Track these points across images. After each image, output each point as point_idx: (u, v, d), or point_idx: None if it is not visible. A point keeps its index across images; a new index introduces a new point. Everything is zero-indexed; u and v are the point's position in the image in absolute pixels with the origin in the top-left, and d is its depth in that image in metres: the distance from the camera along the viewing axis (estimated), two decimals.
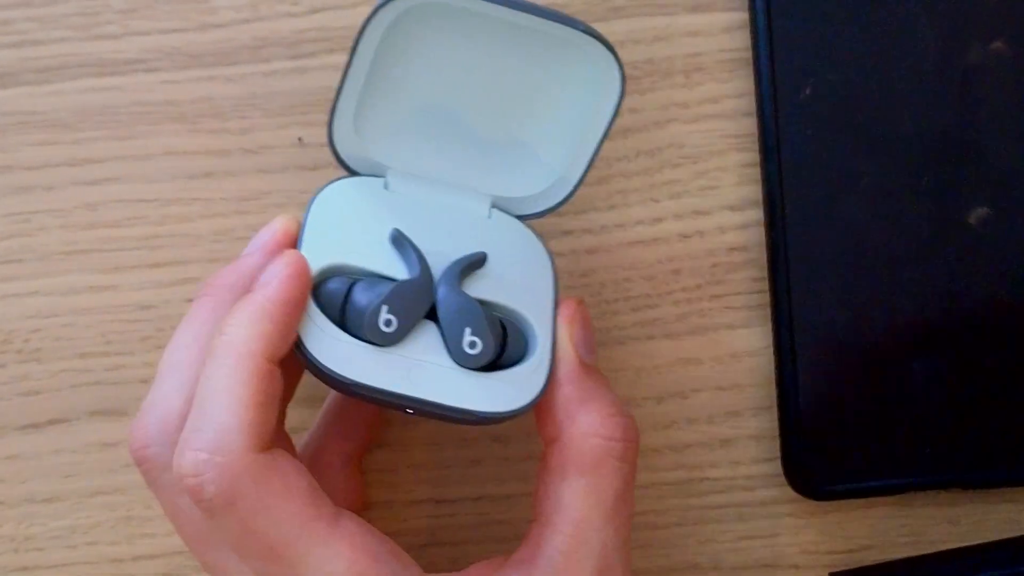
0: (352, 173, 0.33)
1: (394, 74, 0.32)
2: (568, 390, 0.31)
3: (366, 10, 0.35)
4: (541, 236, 0.33)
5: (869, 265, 0.35)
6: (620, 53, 0.36)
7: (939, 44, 0.35)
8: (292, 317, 0.29)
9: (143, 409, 0.30)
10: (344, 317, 0.30)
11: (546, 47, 0.32)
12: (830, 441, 0.35)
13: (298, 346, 0.29)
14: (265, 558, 0.28)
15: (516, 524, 0.36)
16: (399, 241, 0.31)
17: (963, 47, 0.35)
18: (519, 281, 0.32)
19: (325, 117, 0.36)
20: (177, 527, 0.30)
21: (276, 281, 0.29)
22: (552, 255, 0.33)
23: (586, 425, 0.31)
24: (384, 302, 0.30)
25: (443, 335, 0.31)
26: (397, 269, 0.31)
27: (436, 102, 0.33)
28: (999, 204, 0.35)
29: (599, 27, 0.36)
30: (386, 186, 0.32)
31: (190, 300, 0.36)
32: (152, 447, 0.29)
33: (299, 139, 0.36)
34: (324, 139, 0.36)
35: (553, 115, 0.33)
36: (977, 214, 0.35)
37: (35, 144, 0.36)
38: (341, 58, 0.36)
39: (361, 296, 0.30)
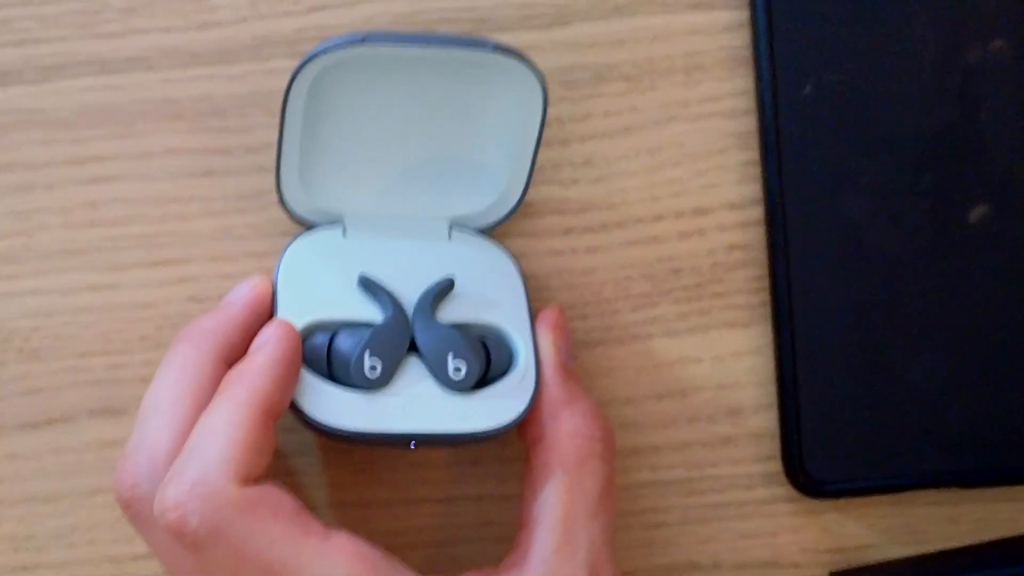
0: (309, 226, 0.34)
1: (329, 125, 0.34)
2: (553, 392, 0.32)
3: (366, 8, 0.36)
4: (502, 244, 0.34)
5: (869, 264, 0.35)
6: (620, 52, 0.36)
7: (939, 44, 0.35)
8: (291, 376, 0.31)
9: (127, 453, 0.30)
10: (331, 368, 0.32)
11: (468, 71, 0.33)
12: (830, 440, 0.35)
13: (292, 406, 0.31)
14: None
15: (515, 525, 0.36)
16: (368, 285, 0.33)
17: (963, 47, 0.35)
18: (490, 294, 0.33)
19: None
20: (167, 567, 0.30)
21: (272, 342, 0.31)
22: (517, 261, 0.34)
23: (570, 425, 0.32)
24: (365, 349, 0.31)
25: (428, 366, 0.32)
26: (372, 313, 0.32)
27: (376, 142, 0.34)
28: (999, 203, 0.35)
29: (599, 27, 0.36)
30: (344, 233, 0.34)
31: (190, 299, 0.36)
32: (142, 486, 0.30)
33: None
34: None
35: (489, 132, 0.34)
36: (977, 213, 0.35)
37: (35, 143, 0.36)
38: None
39: (343, 345, 0.32)
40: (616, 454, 0.33)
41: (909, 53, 0.35)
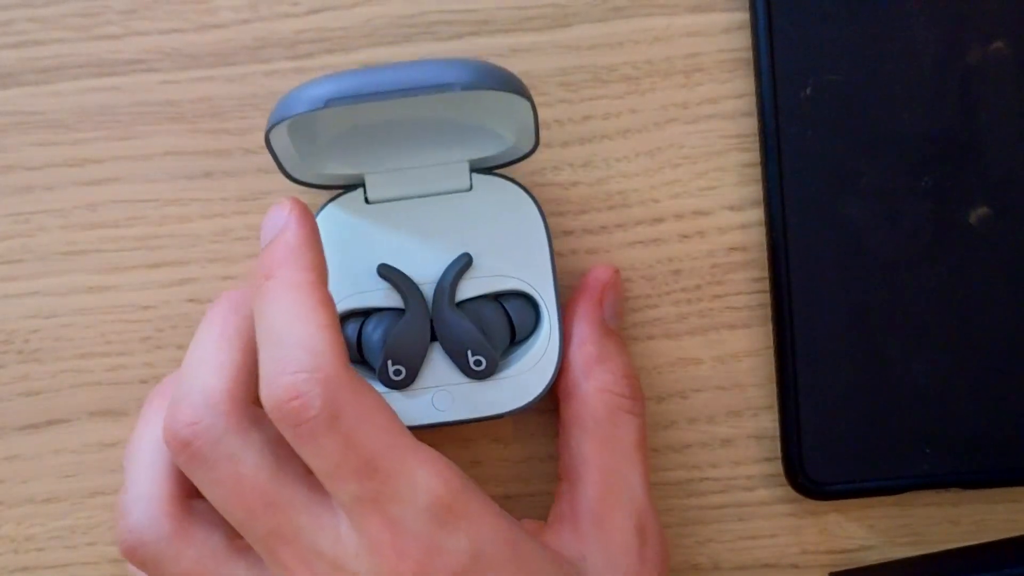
0: (331, 188, 0.34)
1: (322, 144, 0.33)
2: (589, 349, 0.33)
3: (366, 10, 0.36)
4: (522, 186, 0.34)
5: (869, 265, 0.35)
6: (620, 54, 0.36)
7: (939, 44, 0.35)
8: (320, 247, 0.30)
9: (176, 397, 0.30)
10: (362, 355, 0.34)
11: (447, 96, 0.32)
12: (830, 441, 0.35)
13: None
14: (361, 476, 0.28)
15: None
16: (387, 274, 0.33)
17: (963, 47, 0.35)
18: (513, 252, 0.34)
19: None
20: (239, 498, 0.29)
21: (293, 220, 0.30)
22: (538, 203, 0.34)
23: (601, 382, 0.33)
24: (387, 357, 0.33)
25: (449, 357, 0.33)
26: (394, 297, 0.33)
27: (382, 108, 0.33)
28: (999, 204, 0.35)
29: (599, 28, 0.36)
30: (366, 197, 0.34)
31: (190, 300, 0.36)
32: (204, 421, 0.29)
33: None
34: None
35: (484, 115, 0.33)
36: (977, 214, 0.35)
37: (35, 144, 0.36)
38: (341, 58, 0.36)
39: (372, 336, 0.33)
40: (646, 411, 0.34)
41: (909, 54, 0.35)
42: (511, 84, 0.30)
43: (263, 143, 0.36)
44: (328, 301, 0.29)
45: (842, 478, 0.35)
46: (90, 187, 0.36)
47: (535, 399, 0.34)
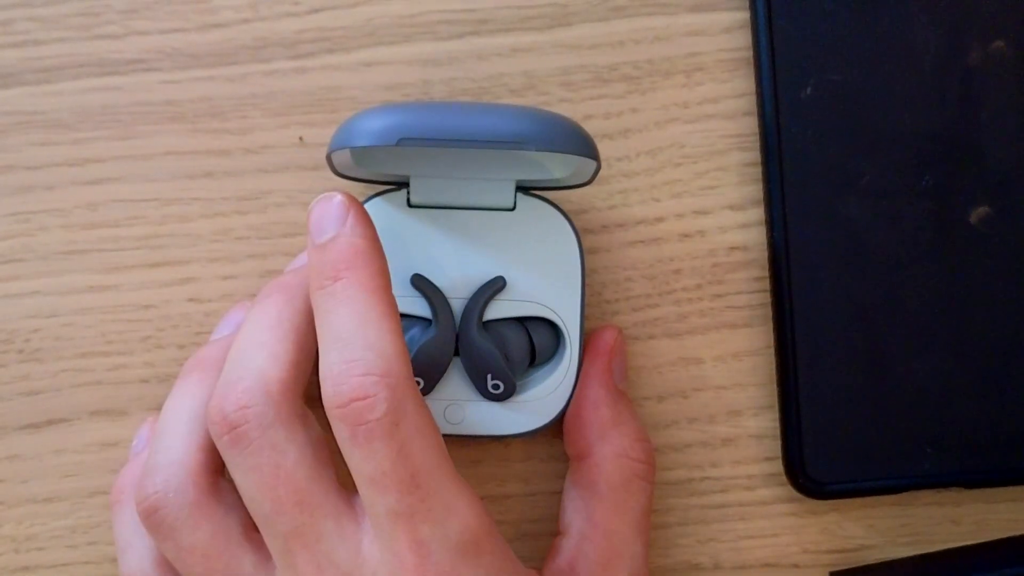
0: (377, 183, 0.34)
1: (376, 149, 0.33)
2: (604, 412, 0.33)
3: (366, 10, 0.36)
4: (567, 215, 0.34)
5: (869, 265, 0.35)
6: (621, 53, 0.36)
7: (939, 44, 0.35)
8: (383, 252, 0.30)
9: (230, 378, 0.30)
10: None
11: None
12: (831, 440, 0.35)
13: None
14: (403, 489, 0.28)
15: (517, 524, 0.36)
16: (420, 285, 0.33)
17: (963, 47, 0.35)
18: (544, 278, 0.34)
19: (326, 117, 0.36)
20: (272, 489, 0.29)
21: (355, 221, 0.30)
22: (578, 234, 0.34)
23: (618, 446, 0.33)
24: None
25: (468, 376, 0.33)
26: (423, 307, 0.33)
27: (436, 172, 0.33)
28: (999, 204, 0.35)
29: (600, 28, 0.36)
30: (409, 201, 0.33)
31: (191, 300, 0.36)
32: (256, 406, 0.29)
33: (300, 139, 0.36)
34: (324, 139, 0.36)
35: (546, 157, 0.33)
36: (978, 214, 0.35)
37: (36, 144, 0.36)
38: (341, 58, 0.36)
39: None
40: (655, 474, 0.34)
41: (909, 54, 0.35)
42: (585, 148, 0.29)
43: (263, 143, 0.36)
44: (395, 309, 0.29)
45: (842, 478, 0.35)
46: (90, 187, 0.36)
47: (545, 426, 0.34)
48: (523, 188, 0.34)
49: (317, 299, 0.30)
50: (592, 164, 0.31)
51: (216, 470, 0.31)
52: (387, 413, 0.28)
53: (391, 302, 0.29)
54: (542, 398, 0.34)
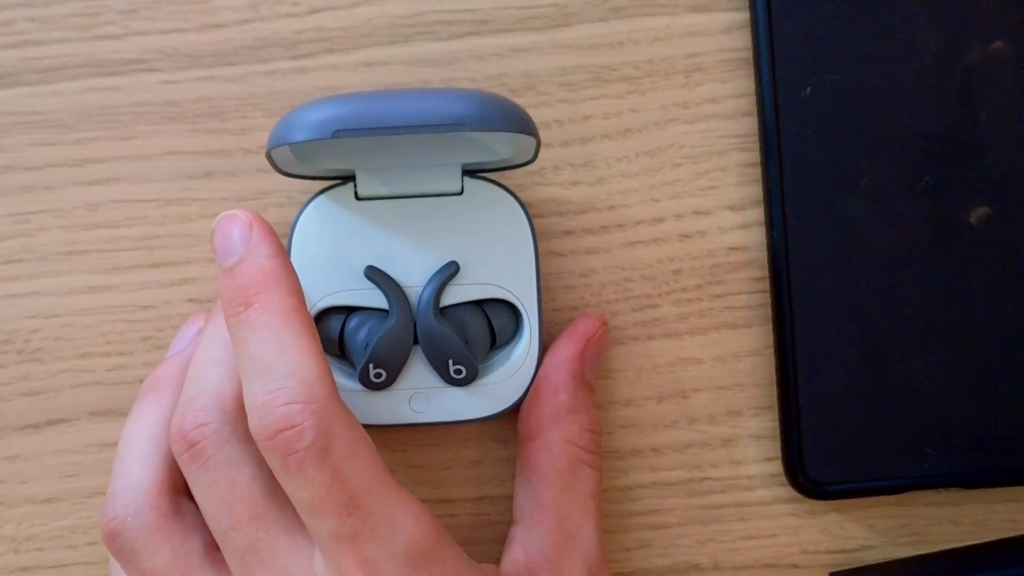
0: (323, 179, 0.34)
1: (317, 144, 0.33)
2: (562, 398, 0.34)
3: (366, 10, 0.36)
4: (514, 193, 0.34)
5: (869, 265, 0.35)
6: (621, 53, 0.36)
7: (939, 44, 0.35)
8: (292, 267, 0.30)
9: (189, 396, 0.30)
10: (343, 351, 0.34)
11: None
12: (830, 441, 0.35)
13: None
14: (342, 512, 0.28)
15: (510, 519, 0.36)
16: (374, 277, 0.33)
17: (963, 47, 0.35)
18: (499, 260, 0.34)
19: None
20: (228, 505, 0.29)
21: (260, 239, 0.30)
22: (528, 212, 0.34)
23: (567, 433, 0.33)
24: (370, 360, 0.33)
25: (430, 363, 0.33)
26: (379, 298, 0.33)
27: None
28: (999, 204, 0.35)
29: (599, 28, 0.36)
30: (356, 194, 0.33)
31: (190, 300, 0.36)
32: (211, 423, 0.29)
33: None
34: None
35: (486, 136, 0.33)
36: (977, 214, 0.35)
37: (35, 144, 0.36)
38: (341, 58, 0.36)
39: (354, 336, 0.34)
40: (604, 466, 0.35)
41: (909, 54, 0.35)
42: (522, 125, 0.29)
43: (264, 143, 0.36)
44: (312, 326, 0.29)
45: (842, 478, 0.35)
46: (90, 187, 0.36)
47: (510, 407, 0.34)
48: (470, 172, 0.34)
49: (232, 327, 0.29)
50: (532, 141, 0.31)
51: (178, 490, 0.31)
52: (316, 439, 0.27)
53: (307, 321, 0.29)
54: (505, 379, 0.34)
